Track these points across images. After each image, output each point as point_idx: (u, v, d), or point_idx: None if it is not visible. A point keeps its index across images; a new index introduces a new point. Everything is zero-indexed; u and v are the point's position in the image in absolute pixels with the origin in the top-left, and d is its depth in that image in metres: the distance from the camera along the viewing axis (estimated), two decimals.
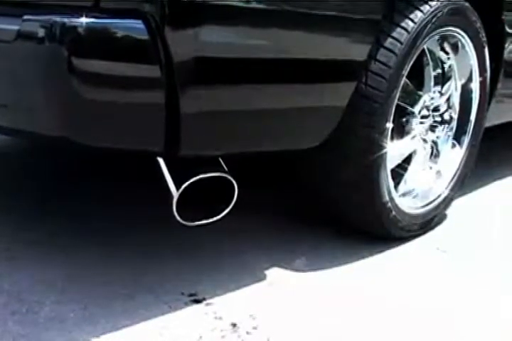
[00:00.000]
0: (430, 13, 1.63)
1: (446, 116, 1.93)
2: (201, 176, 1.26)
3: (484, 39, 1.89)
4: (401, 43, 1.55)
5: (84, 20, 1.00)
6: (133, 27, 1.03)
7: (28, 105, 1.08)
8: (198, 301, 1.37)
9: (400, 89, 1.60)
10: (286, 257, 1.62)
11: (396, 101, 1.60)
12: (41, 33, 1.01)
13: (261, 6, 1.21)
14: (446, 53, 1.87)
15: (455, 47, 1.87)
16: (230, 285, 1.45)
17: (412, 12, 1.59)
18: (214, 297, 1.39)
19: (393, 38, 1.55)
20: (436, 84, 1.86)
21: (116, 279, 1.43)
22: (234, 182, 1.31)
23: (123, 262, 1.51)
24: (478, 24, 1.85)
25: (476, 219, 2.00)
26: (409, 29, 1.57)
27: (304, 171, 1.65)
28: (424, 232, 1.86)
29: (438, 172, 1.95)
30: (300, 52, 1.34)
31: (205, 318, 1.30)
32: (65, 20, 0.99)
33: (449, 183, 1.92)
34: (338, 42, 1.43)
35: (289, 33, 1.29)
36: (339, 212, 1.73)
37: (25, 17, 1.04)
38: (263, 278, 1.51)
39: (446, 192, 1.89)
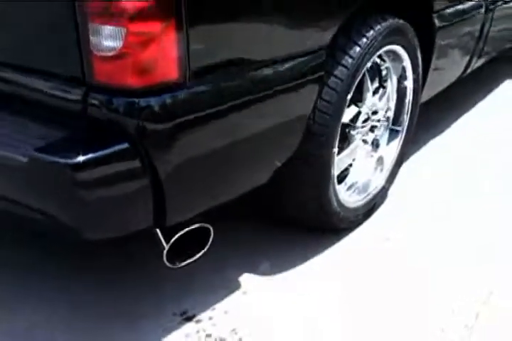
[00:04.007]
0: (367, 45, 1.92)
1: (385, 117, 2.28)
2: (186, 230, 1.61)
3: (417, 44, 2.20)
4: (341, 80, 1.86)
5: (81, 158, 1.30)
6: (122, 153, 1.34)
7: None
8: (189, 318, 1.76)
9: (341, 120, 1.92)
10: (253, 263, 2.00)
11: (339, 129, 1.93)
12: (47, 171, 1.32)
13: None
14: (384, 60, 2.18)
15: (392, 55, 2.18)
16: (209, 297, 1.83)
17: (351, 48, 1.88)
18: (201, 313, 1.78)
19: (335, 76, 1.85)
20: (374, 92, 2.18)
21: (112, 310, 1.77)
22: (210, 228, 1.67)
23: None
24: (414, 40, 2.17)
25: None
26: (349, 66, 1.87)
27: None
28: (367, 218, 2.27)
29: (380, 158, 2.33)
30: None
31: (199, 337, 1.70)
32: (68, 161, 1.29)
33: (386, 174, 2.31)
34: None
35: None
36: (297, 220, 2.11)
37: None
38: (237, 287, 1.91)
39: (383, 183, 2.29)
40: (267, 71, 1.57)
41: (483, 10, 2.81)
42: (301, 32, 1.69)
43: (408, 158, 2.68)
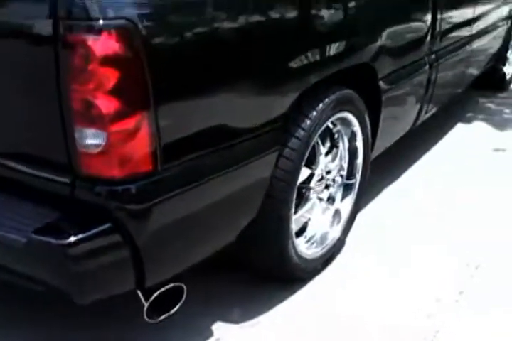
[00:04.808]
0: (317, 117, 2.21)
1: (338, 175, 2.57)
2: (162, 289, 1.87)
3: (364, 109, 2.51)
4: (295, 150, 2.15)
5: (72, 239, 1.57)
6: (105, 231, 1.61)
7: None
8: None
9: (296, 184, 2.21)
10: (224, 311, 2.27)
11: (295, 192, 2.22)
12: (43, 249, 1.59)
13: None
14: (334, 125, 2.48)
15: (342, 121, 2.48)
16: None
17: (302, 121, 2.18)
18: None
19: (290, 147, 2.14)
20: (326, 154, 2.47)
21: None
22: (184, 286, 1.93)
23: None
24: (361, 105, 2.46)
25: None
26: (301, 137, 2.16)
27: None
28: (325, 267, 2.55)
29: (336, 211, 2.62)
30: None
31: None
32: (61, 241, 1.56)
33: (342, 226, 2.60)
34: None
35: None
36: (262, 271, 2.39)
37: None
38: (211, 334, 2.17)
39: (339, 235, 2.58)
40: (227, 150, 1.85)
41: (426, 67, 3.13)
42: (259, 109, 1.97)
43: (366, 205, 2.98)
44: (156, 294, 1.84)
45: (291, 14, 2.08)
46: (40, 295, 1.91)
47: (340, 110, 2.37)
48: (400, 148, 3.36)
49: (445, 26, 3.26)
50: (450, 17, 3.34)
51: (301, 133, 2.16)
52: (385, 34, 2.61)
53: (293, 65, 2.05)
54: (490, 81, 4.90)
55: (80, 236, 1.58)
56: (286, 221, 2.20)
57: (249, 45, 1.86)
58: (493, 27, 4.30)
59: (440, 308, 2.31)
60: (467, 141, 3.98)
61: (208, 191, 1.83)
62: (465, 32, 3.71)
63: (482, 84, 4.76)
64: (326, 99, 2.26)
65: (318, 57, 2.16)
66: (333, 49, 2.22)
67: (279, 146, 2.08)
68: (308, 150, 2.22)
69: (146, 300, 1.83)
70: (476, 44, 3.96)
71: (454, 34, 3.49)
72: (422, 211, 3.02)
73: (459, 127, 4.25)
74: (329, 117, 2.31)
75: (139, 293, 1.81)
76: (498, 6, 4.30)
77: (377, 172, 2.98)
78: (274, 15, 2.00)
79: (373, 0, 2.58)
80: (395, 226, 2.87)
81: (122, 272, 1.70)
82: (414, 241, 2.75)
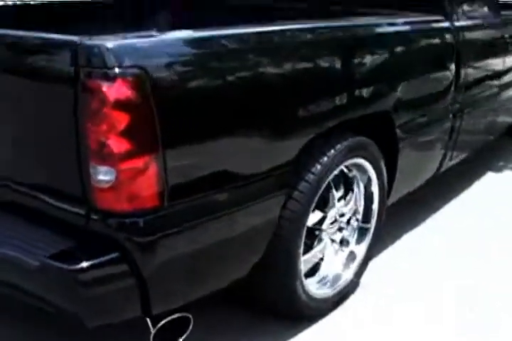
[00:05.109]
0: (328, 162, 2.33)
1: (354, 219, 2.68)
2: (169, 318, 2.00)
3: (380, 156, 2.62)
4: (304, 194, 2.27)
5: (83, 265, 1.73)
6: (114, 260, 1.76)
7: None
8: None
9: (305, 225, 2.32)
10: None
11: (303, 233, 2.33)
12: (56, 273, 1.74)
13: None
14: (350, 170, 2.60)
15: (357, 166, 2.60)
16: None
17: (313, 165, 2.30)
18: None
19: (299, 190, 2.27)
20: (341, 198, 2.59)
21: None
22: (190, 316, 2.06)
23: None
24: (376, 152, 2.57)
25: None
26: (311, 181, 2.29)
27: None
28: (337, 307, 2.64)
29: (351, 253, 2.72)
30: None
31: None
32: (72, 267, 1.72)
33: (356, 268, 2.69)
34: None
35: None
36: (270, 309, 2.49)
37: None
38: None
39: (352, 277, 2.67)
40: (233, 191, 1.98)
41: (450, 116, 3.23)
42: (269, 152, 2.10)
43: (382, 249, 3.06)
44: (162, 322, 1.97)
45: (310, 64, 2.23)
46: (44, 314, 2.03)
47: (353, 156, 2.48)
48: (423, 195, 3.44)
49: (470, 78, 3.37)
50: (475, 68, 3.45)
51: (311, 177, 2.28)
52: (403, 84, 2.73)
53: (303, 113, 2.19)
54: None
55: (90, 263, 1.72)
56: (294, 261, 2.31)
57: (258, 94, 2.01)
58: None
59: None
60: (495, 191, 4.02)
61: (213, 229, 1.96)
62: (493, 82, 3.80)
63: None
64: (338, 145, 2.38)
65: (328, 107, 2.29)
66: (343, 99, 2.35)
67: (288, 189, 2.20)
68: (319, 194, 2.33)
69: (154, 326, 1.96)
70: (507, 94, 4.04)
71: (481, 85, 3.59)
72: (437, 257, 3.08)
73: (489, 176, 4.29)
74: (341, 163, 2.42)
75: (148, 319, 1.94)
76: None
77: (396, 217, 3.07)
78: (289, 63, 2.14)
79: (395, 52, 2.72)
80: (410, 270, 2.93)
81: (129, 299, 1.84)
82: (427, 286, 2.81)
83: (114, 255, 1.77)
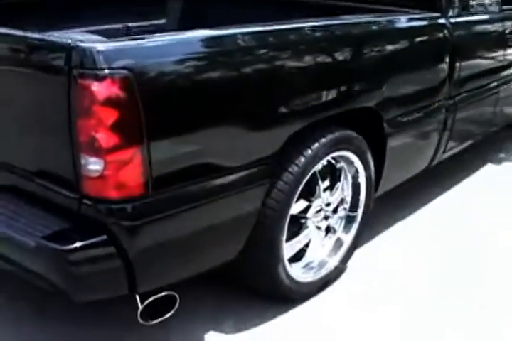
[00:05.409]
0: (312, 155, 2.50)
1: (340, 208, 2.84)
2: (153, 297, 2.20)
3: (366, 149, 2.77)
4: (288, 184, 2.45)
5: (74, 245, 1.93)
6: (102, 242, 1.96)
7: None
8: None
9: (288, 213, 2.49)
10: (218, 321, 2.56)
11: (287, 221, 2.50)
12: (50, 252, 1.95)
13: None
14: (338, 161, 2.77)
15: (345, 158, 2.76)
16: None
17: (297, 158, 2.47)
18: None
19: (283, 180, 2.44)
20: (328, 188, 2.75)
21: None
22: (176, 295, 2.25)
23: None
24: (363, 146, 2.72)
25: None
26: (295, 173, 2.45)
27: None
28: (321, 291, 2.82)
29: (338, 240, 2.89)
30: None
31: None
32: (65, 247, 1.92)
33: (342, 255, 2.86)
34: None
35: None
36: (255, 289, 2.68)
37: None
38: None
39: (337, 263, 2.84)
40: (215, 181, 2.16)
41: (443, 110, 3.36)
42: (253, 143, 2.26)
43: (369, 238, 3.23)
44: (149, 300, 2.17)
45: (295, 59, 2.37)
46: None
47: (338, 149, 2.64)
48: (420, 184, 3.58)
49: (466, 73, 3.48)
50: (472, 64, 3.57)
51: (294, 168, 2.44)
52: (392, 80, 2.87)
53: (287, 107, 2.34)
54: None
55: (80, 244, 1.92)
56: (276, 246, 2.48)
57: (241, 89, 2.17)
58: None
59: None
60: (491, 182, 4.15)
61: (196, 215, 2.15)
62: (492, 77, 3.91)
63: None
64: (323, 139, 2.53)
65: (313, 101, 2.44)
66: (328, 94, 2.49)
67: (271, 179, 2.36)
68: (302, 184, 2.50)
69: (142, 303, 2.16)
70: (507, 89, 4.15)
71: (478, 80, 3.70)
72: (422, 247, 3.24)
73: (487, 168, 4.42)
74: (325, 155, 2.58)
75: (137, 297, 2.14)
76: None
77: (387, 207, 3.23)
78: (275, 59, 2.30)
79: (385, 49, 2.86)
80: (395, 259, 3.11)
81: (115, 278, 2.03)
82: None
83: (102, 238, 1.96)
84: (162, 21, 3.97)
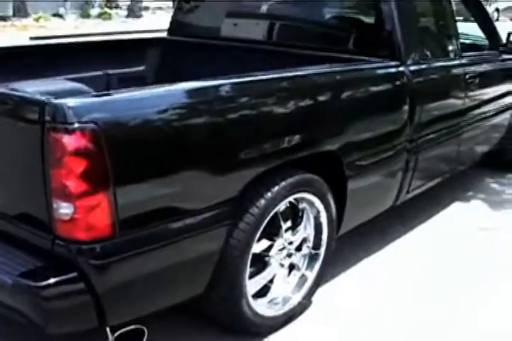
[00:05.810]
0: (272, 197, 2.72)
1: (304, 246, 3.04)
2: (121, 331, 2.39)
3: (327, 190, 2.99)
4: (249, 225, 2.66)
5: (45, 283, 2.13)
6: (72, 279, 2.17)
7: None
8: None
9: (250, 253, 2.70)
10: None
11: (249, 259, 2.71)
12: (24, 288, 2.15)
13: None
14: (300, 202, 2.98)
15: (307, 200, 2.97)
16: None
17: (257, 200, 2.69)
18: None
19: (244, 221, 2.65)
20: (290, 227, 2.96)
21: None
22: (144, 328, 2.44)
23: None
24: (324, 187, 2.94)
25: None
26: (255, 214, 2.67)
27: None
28: (284, 325, 3.01)
29: (302, 276, 3.09)
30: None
31: None
32: (38, 284, 2.13)
33: (305, 291, 3.05)
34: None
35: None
36: (225, 325, 2.87)
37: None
38: None
39: (300, 299, 3.04)
40: (178, 223, 2.37)
41: (404, 153, 3.58)
42: (215, 187, 2.47)
43: (332, 276, 3.43)
44: (117, 333, 2.37)
45: (257, 108, 2.62)
46: None
47: (299, 191, 2.86)
48: (383, 222, 3.80)
49: (427, 117, 3.72)
50: (432, 109, 3.81)
51: (255, 210, 2.65)
52: (351, 126, 3.10)
53: (246, 153, 2.55)
54: (501, 161, 5.31)
55: (52, 280, 2.13)
56: (239, 283, 2.67)
57: (201, 140, 2.39)
58: (493, 113, 4.73)
59: None
60: (456, 220, 4.37)
61: (161, 254, 2.35)
62: (455, 120, 4.15)
63: (493, 164, 5.20)
64: (283, 182, 2.75)
65: (273, 147, 2.66)
66: (289, 140, 2.71)
67: (233, 220, 2.57)
68: (263, 225, 2.70)
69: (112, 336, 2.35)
70: (471, 130, 4.40)
71: (439, 123, 3.94)
72: (385, 285, 3.43)
73: (454, 206, 4.64)
74: (285, 198, 2.79)
75: (107, 330, 2.33)
76: (498, 96, 4.74)
77: (351, 245, 3.44)
78: (232, 111, 2.53)
79: (342, 97, 3.10)
80: (359, 294, 3.30)
81: (86, 312, 2.23)
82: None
83: (72, 275, 2.17)
84: (141, 68, 4.22)
